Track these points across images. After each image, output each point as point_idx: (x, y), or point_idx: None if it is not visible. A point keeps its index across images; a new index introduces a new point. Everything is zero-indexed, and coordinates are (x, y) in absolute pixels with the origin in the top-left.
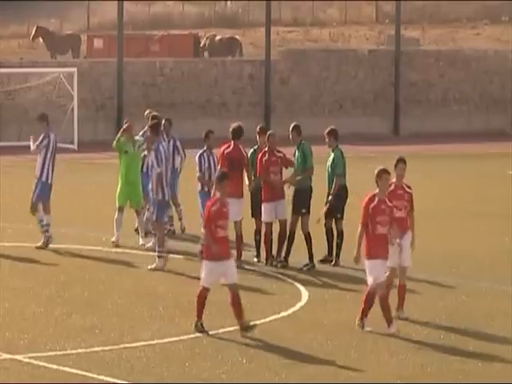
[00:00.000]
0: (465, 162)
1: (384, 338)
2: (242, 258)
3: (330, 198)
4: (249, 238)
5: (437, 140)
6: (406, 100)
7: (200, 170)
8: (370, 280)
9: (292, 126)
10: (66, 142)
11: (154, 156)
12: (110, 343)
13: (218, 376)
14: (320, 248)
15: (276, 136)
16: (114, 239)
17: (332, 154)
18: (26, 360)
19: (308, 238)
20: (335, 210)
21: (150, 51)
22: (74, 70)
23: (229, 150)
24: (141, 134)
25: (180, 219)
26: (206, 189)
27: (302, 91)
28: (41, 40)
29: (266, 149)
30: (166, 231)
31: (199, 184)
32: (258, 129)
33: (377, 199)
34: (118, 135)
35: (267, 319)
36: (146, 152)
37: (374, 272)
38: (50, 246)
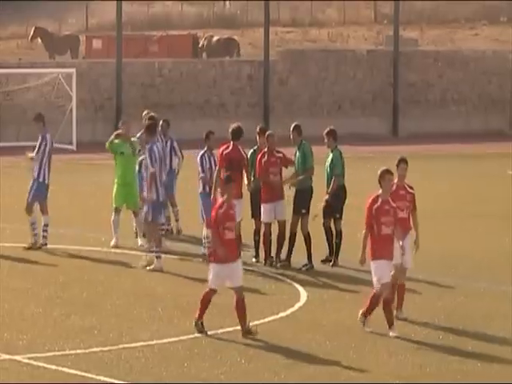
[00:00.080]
0: (463, 162)
1: (383, 338)
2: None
3: (326, 196)
4: (248, 238)
5: (435, 140)
6: (405, 100)
7: (203, 171)
8: (374, 280)
9: (293, 126)
10: (65, 142)
11: (148, 156)
12: (108, 344)
13: (216, 376)
14: (321, 249)
15: (275, 136)
16: (112, 243)
17: (331, 155)
18: (25, 360)
19: (307, 239)
20: (334, 210)
21: (148, 52)
22: (73, 70)
23: (227, 150)
24: (138, 135)
25: (176, 220)
26: (208, 189)
27: (300, 92)
28: (39, 40)
29: (266, 149)
30: (163, 231)
31: (201, 185)
32: (257, 129)
33: (380, 200)
34: (112, 137)
35: (266, 319)
36: (143, 156)
37: (378, 272)
38: (49, 246)
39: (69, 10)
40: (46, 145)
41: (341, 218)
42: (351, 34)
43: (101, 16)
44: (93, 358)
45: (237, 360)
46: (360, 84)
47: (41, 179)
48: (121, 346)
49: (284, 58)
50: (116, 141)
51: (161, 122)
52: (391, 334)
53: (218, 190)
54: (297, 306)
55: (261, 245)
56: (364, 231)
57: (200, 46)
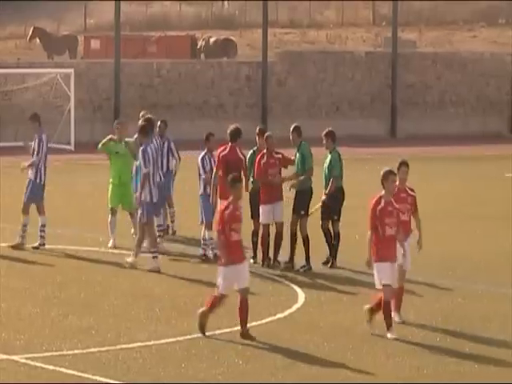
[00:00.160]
0: (461, 164)
1: (380, 340)
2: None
3: (324, 197)
4: (246, 239)
5: (433, 142)
6: (403, 102)
7: (205, 172)
8: (377, 282)
9: (292, 127)
10: (63, 142)
11: (142, 156)
12: (106, 344)
13: (214, 377)
14: (320, 251)
15: (274, 137)
16: (110, 245)
17: (329, 156)
18: (23, 361)
19: (306, 240)
20: (332, 211)
21: (147, 52)
22: (71, 70)
23: (225, 152)
24: (136, 136)
25: (172, 221)
26: (209, 191)
27: (298, 93)
28: (38, 41)
29: (265, 151)
30: (161, 232)
31: (202, 186)
32: (257, 130)
33: (383, 201)
34: (104, 140)
35: (263, 321)
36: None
37: (381, 274)
38: (46, 246)
39: (68, 10)
40: (42, 145)
41: (339, 219)
42: (349, 36)
43: (99, 16)
44: (90, 359)
45: (234, 361)
46: (358, 85)
47: (37, 180)
48: (118, 346)
49: (282, 59)
50: (110, 142)
51: (158, 123)
52: (389, 335)
53: (217, 193)
54: (294, 307)
55: (259, 246)
56: (369, 233)
57: (198, 47)
